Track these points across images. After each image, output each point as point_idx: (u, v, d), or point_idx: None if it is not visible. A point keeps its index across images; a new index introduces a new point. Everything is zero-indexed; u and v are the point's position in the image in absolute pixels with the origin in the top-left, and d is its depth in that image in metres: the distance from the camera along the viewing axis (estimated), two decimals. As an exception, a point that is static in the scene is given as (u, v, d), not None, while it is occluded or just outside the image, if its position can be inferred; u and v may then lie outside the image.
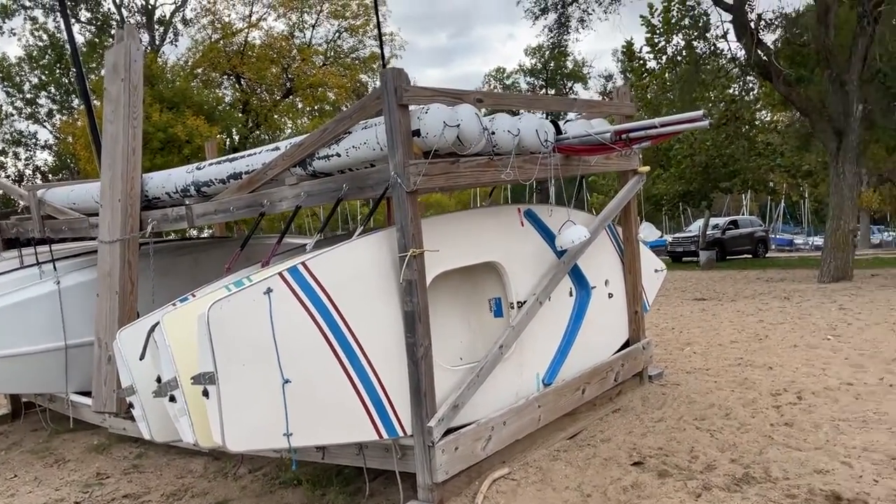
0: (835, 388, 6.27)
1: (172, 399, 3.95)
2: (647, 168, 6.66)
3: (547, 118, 6.12)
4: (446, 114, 4.44)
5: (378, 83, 4.40)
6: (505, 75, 67.29)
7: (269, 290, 3.84)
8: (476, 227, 5.19)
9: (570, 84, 65.47)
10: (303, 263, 4.06)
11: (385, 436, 4.35)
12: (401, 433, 4.42)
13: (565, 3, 17.31)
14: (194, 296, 4.75)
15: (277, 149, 5.31)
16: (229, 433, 3.59)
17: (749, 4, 15.98)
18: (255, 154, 5.46)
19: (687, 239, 31.07)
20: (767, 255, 32.13)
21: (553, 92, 62.72)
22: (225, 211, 5.51)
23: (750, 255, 31.16)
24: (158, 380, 4.13)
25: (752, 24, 15.78)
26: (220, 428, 3.57)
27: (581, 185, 7.43)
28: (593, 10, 17.35)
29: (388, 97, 4.31)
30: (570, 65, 64.71)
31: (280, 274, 3.94)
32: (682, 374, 7.24)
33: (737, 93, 21.85)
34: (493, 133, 4.92)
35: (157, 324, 4.03)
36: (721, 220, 32.56)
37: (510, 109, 6.62)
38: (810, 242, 43.25)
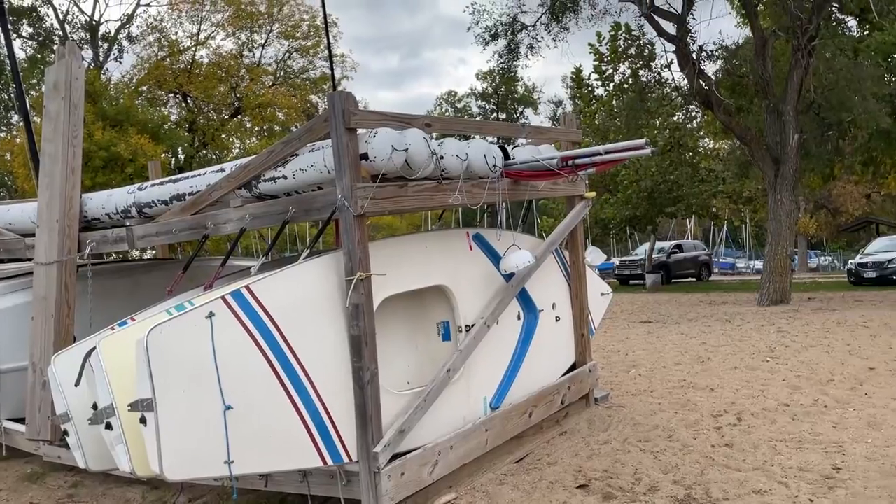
0: (773, 409, 6.43)
1: (108, 426, 3.83)
2: (594, 193, 6.78)
3: (498, 143, 6.18)
4: (394, 137, 4.45)
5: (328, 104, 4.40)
6: (456, 99, 67.99)
7: (211, 315, 3.77)
8: (424, 251, 5.19)
9: (520, 109, 66.49)
10: (247, 287, 4.00)
11: (330, 462, 4.29)
12: (346, 459, 4.36)
13: (515, 29, 17.62)
14: (133, 320, 4.64)
15: (222, 170, 5.25)
16: (167, 461, 3.49)
17: (691, 36, 16.52)
18: (199, 175, 5.38)
19: (634, 262, 31.66)
20: (711, 279, 32.95)
21: (504, 116, 63.55)
22: (167, 233, 5.41)
23: (694, 279, 31.91)
24: (94, 406, 4.00)
25: (694, 56, 16.30)
26: (157, 456, 3.47)
27: (529, 209, 7.52)
28: (542, 38, 17.69)
29: (335, 120, 4.32)
30: (520, 90, 65.76)
31: (223, 298, 3.87)
32: (627, 397, 7.34)
33: (680, 121, 22.49)
34: (442, 157, 4.94)
35: (94, 349, 3.92)
36: (666, 245, 33.30)
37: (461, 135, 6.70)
38: (751, 266, 44.47)
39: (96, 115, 28.51)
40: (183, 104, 38.09)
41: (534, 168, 5.62)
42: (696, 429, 6.05)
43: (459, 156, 5.00)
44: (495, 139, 6.79)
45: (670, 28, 16.49)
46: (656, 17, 16.54)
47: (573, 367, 6.77)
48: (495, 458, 5.55)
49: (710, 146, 30.36)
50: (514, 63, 18.11)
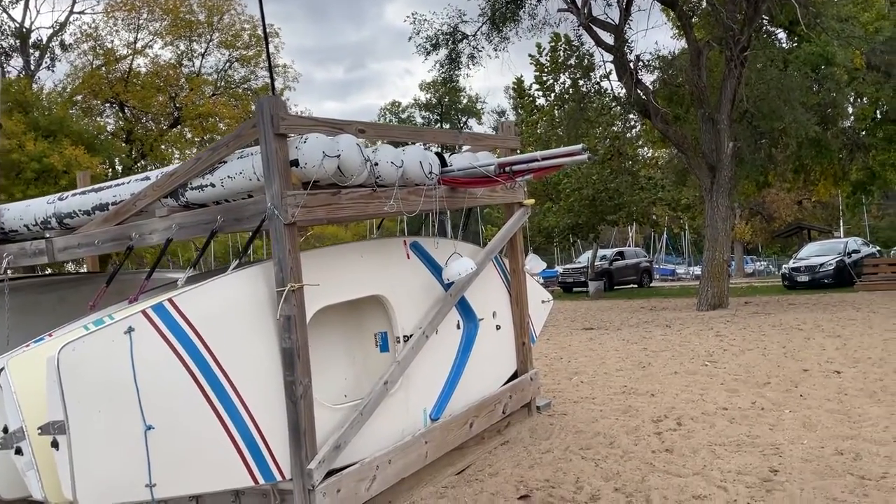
0: (711, 413, 6.49)
1: (19, 451, 3.58)
2: (533, 201, 6.75)
3: (442, 151, 6.10)
4: (326, 144, 4.32)
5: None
6: (400, 109, 67.95)
7: (130, 330, 3.57)
8: (360, 260, 5.06)
9: (464, 119, 66.80)
10: (170, 300, 3.81)
11: (262, 481, 4.11)
12: (279, 477, 4.19)
13: (456, 39, 17.65)
14: (51, 336, 4.38)
15: (148, 178, 5.03)
16: (82, 488, 3.27)
17: (628, 46, 16.82)
18: (122, 184, 5.15)
19: (577, 270, 31.98)
20: (652, 285, 33.53)
21: (448, 126, 63.75)
22: (90, 245, 5.15)
23: (636, 285, 32.41)
24: (5, 430, 3.74)
25: (631, 65, 16.58)
26: (70, 482, 3.26)
27: (469, 217, 7.46)
28: (483, 48, 17.76)
29: (264, 126, 4.17)
30: (464, 100, 66.13)
31: (143, 312, 3.68)
32: (569, 404, 7.32)
33: (619, 130, 22.87)
34: (377, 164, 4.83)
35: (2, 368, 3.67)
36: (609, 252, 33.76)
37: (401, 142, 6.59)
38: (691, 272, 45.49)
39: (28, 125, 27.46)
40: (120, 114, 37.05)
41: (471, 175, 5.56)
42: (637, 434, 6.05)
43: (395, 162, 4.89)
44: (440, 147, 6.73)
45: (608, 38, 16.76)
46: (594, 28, 16.79)
47: (515, 376, 6.72)
48: (436, 471, 5.44)
49: (650, 155, 30.98)
50: (456, 73, 18.16)
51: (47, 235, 5.39)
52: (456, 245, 5.84)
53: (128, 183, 5.13)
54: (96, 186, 5.39)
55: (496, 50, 17.87)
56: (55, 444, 3.29)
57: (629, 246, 47.66)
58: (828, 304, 16.31)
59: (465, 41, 17.60)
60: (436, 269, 5.66)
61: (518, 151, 6.60)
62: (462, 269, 5.30)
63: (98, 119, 36.52)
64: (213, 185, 4.63)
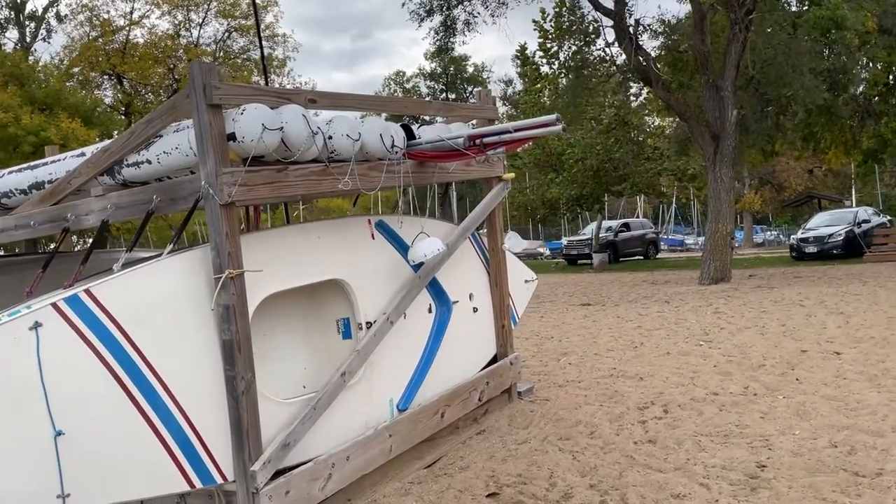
0: (700, 400, 6.12)
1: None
2: (512, 175, 6.35)
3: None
4: (266, 115, 3.94)
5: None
6: (405, 79, 67.04)
7: (36, 325, 3.22)
8: (316, 242, 4.68)
9: (469, 88, 65.88)
10: (86, 290, 3.46)
11: (199, 485, 3.79)
12: (219, 480, 3.87)
13: (450, 5, 17.03)
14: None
15: (84, 154, 4.66)
16: (-23, 502, 2.95)
17: (628, 10, 16.16)
18: (58, 161, 4.78)
19: (581, 242, 31.53)
20: (658, 256, 33.05)
21: (453, 96, 62.91)
22: (26, 226, 4.80)
23: (642, 257, 31.95)
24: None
25: (631, 30, 15.95)
26: (-36, 497, 2.93)
27: (447, 193, 7.06)
28: (479, 13, 17.13)
29: (195, 95, 3.79)
30: (470, 69, 65.15)
31: (54, 304, 3.32)
32: (553, 389, 6.97)
33: (622, 99, 22.25)
34: (331, 137, 4.43)
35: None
36: (614, 223, 33.25)
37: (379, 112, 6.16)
38: (699, 242, 44.95)
39: (24, 98, 27.14)
40: (118, 86, 36.62)
41: (439, 148, 5.15)
42: (620, 423, 5.71)
43: (351, 135, 4.49)
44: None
45: (608, 2, 16.12)
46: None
47: (495, 360, 6.37)
48: (403, 465, 5.13)
49: (656, 124, 30.30)
50: (451, 40, 17.57)
51: (-17, 217, 5.03)
52: (424, 224, 5.45)
53: (63, 160, 4.77)
54: (32, 164, 5.04)
55: (493, 16, 17.27)
56: (-52, 455, 2.96)
57: (637, 217, 47.12)
58: (833, 276, 15.86)
59: (460, 6, 16.99)
60: (404, 250, 5.27)
61: (503, 121, 6.18)
62: (428, 250, 4.93)
63: (96, 92, 36.14)
64: (149, 162, 4.26)
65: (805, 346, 7.89)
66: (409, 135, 5.15)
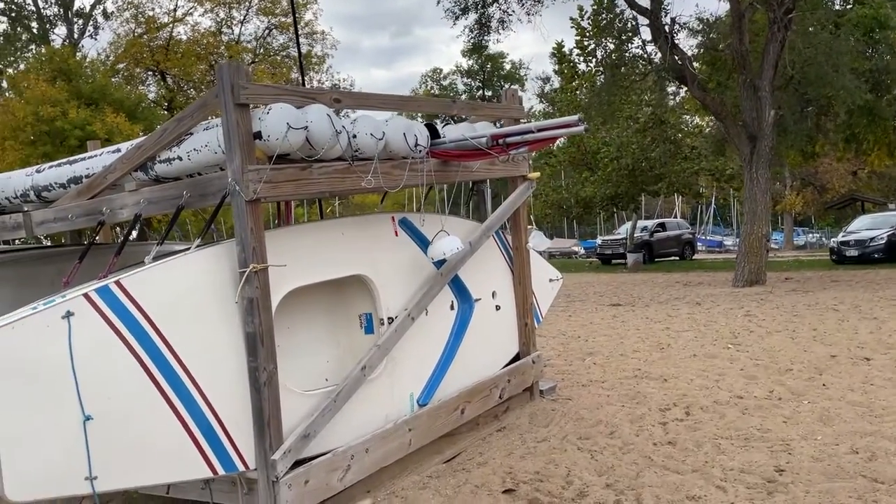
0: (724, 403, 6.10)
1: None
2: (538, 175, 6.38)
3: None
4: (291, 115, 4.04)
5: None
6: (442, 76, 67.16)
7: (69, 314, 3.36)
8: (340, 239, 4.78)
9: (506, 85, 65.71)
10: (117, 282, 3.60)
11: (221, 471, 3.92)
12: (241, 467, 3.99)
13: (485, 3, 17.04)
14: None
15: (119, 151, 4.82)
16: (10, 481, 3.10)
17: (664, 8, 15.99)
18: (94, 156, 4.95)
19: (616, 241, 31.29)
20: (695, 257, 32.64)
21: (490, 93, 62.85)
22: (64, 219, 4.97)
23: (677, 258, 31.59)
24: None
25: (667, 28, 15.78)
26: (-2, 475, 3.09)
27: (474, 192, 7.12)
28: (513, 11, 17.11)
29: (224, 95, 3.91)
30: (507, 66, 65.02)
31: (86, 295, 3.47)
32: (576, 388, 7.00)
33: (655, 98, 22.01)
34: (355, 136, 4.53)
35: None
36: (649, 223, 32.91)
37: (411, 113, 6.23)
38: (738, 244, 44.20)
39: (71, 93, 27.85)
40: (161, 82, 37.35)
41: (462, 147, 5.21)
42: (641, 424, 5.72)
43: (374, 134, 4.58)
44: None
45: (644, 1, 15.97)
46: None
47: (518, 358, 6.41)
48: (423, 459, 5.21)
49: (695, 122, 29.90)
50: (485, 38, 17.58)
51: (25, 209, 5.23)
52: (448, 222, 5.52)
53: (100, 155, 4.94)
54: (71, 159, 5.22)
55: (528, 14, 17.24)
56: (-15, 435, 3.12)
57: (675, 217, 46.56)
58: (872, 281, 15.53)
59: (494, 4, 16.99)
60: (427, 248, 5.35)
61: (526, 121, 6.21)
62: (447, 249, 5.00)
63: (140, 87, 36.92)
64: (180, 159, 4.40)
65: (835, 352, 7.78)
66: (434, 134, 5.23)
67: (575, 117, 4.79)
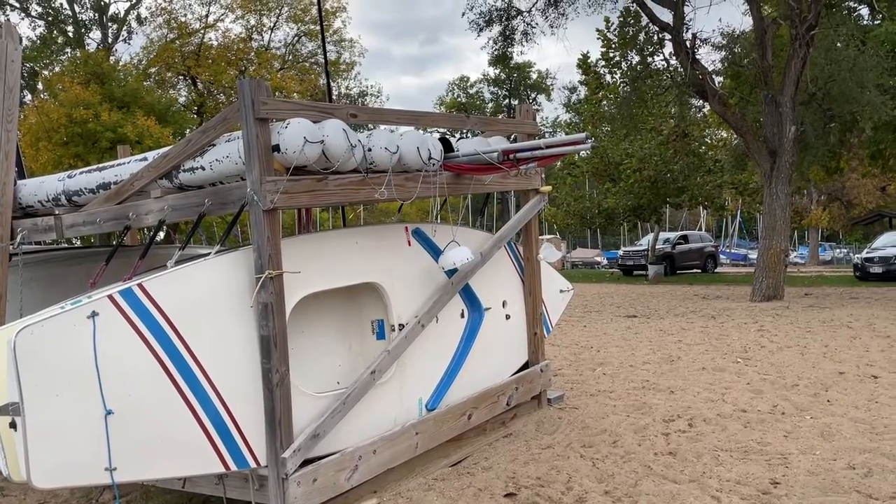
0: (727, 416, 6.19)
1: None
2: (549, 188, 6.54)
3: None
4: (308, 129, 4.26)
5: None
6: (469, 84, 67.50)
7: (94, 314, 3.59)
8: (354, 247, 4.98)
9: (532, 95, 65.89)
10: (139, 284, 3.83)
11: (233, 467, 4.12)
12: (253, 464, 4.19)
13: (510, 15, 17.25)
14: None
15: (146, 159, 5.07)
16: (35, 469, 3.33)
17: (685, 24, 16.07)
18: (123, 164, 5.21)
19: (637, 253, 31.23)
20: (718, 271, 32.46)
21: (516, 102, 62.97)
22: (93, 223, 5.24)
23: (699, 270, 31.45)
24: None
25: (688, 43, 15.85)
26: (25, 463, 3.31)
27: (487, 203, 7.30)
28: (537, 24, 17.29)
29: (245, 110, 4.13)
30: (533, 76, 65.15)
31: (110, 296, 3.70)
32: (584, 397, 7.12)
33: (676, 111, 22.02)
34: (370, 150, 4.73)
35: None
36: (672, 235, 32.82)
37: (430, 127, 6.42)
38: (762, 258, 43.76)
39: (104, 96, 28.51)
40: (192, 87, 38.03)
41: (474, 161, 5.40)
42: (644, 434, 5.84)
43: (389, 148, 4.78)
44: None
45: (666, 16, 16.07)
46: (647, 4, 16.06)
47: (527, 367, 6.57)
48: (429, 462, 5.38)
49: (719, 136, 29.79)
50: (509, 50, 17.77)
51: (57, 212, 5.51)
52: (462, 232, 5.70)
53: (128, 163, 5.19)
54: (100, 166, 5.48)
55: (552, 27, 17.40)
56: (13, 426, 3.35)
57: (701, 229, 46.28)
58: (892, 299, 15.42)
59: (519, 17, 17.19)
60: (439, 257, 5.54)
61: (537, 137, 6.38)
62: (457, 259, 5.18)
63: (171, 91, 37.61)
64: (202, 168, 4.63)
65: (843, 369, 7.83)
66: (448, 147, 5.42)
67: (582, 135, 4.95)
